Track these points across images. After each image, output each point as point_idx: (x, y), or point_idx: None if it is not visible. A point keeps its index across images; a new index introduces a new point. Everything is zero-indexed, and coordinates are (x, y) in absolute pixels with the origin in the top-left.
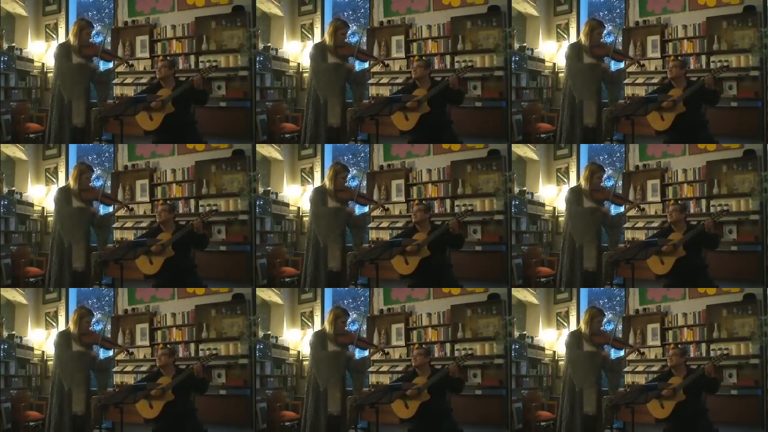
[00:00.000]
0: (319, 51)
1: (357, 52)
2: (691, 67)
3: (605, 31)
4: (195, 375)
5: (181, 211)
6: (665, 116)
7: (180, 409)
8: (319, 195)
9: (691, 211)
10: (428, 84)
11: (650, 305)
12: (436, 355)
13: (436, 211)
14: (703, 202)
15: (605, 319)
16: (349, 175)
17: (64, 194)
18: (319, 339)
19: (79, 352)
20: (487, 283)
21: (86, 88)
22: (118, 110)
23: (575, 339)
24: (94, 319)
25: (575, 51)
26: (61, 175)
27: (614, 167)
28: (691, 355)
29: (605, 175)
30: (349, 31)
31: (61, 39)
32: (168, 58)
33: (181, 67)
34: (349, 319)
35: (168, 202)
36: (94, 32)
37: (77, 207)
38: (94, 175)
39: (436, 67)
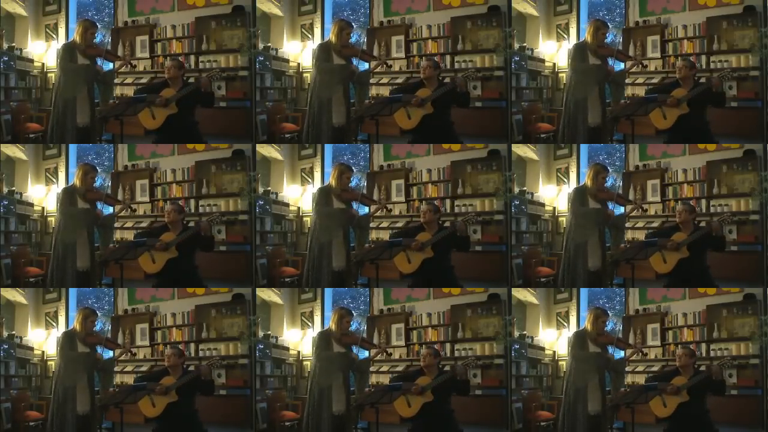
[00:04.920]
0: (324, 51)
1: (361, 53)
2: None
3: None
4: (202, 377)
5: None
6: (668, 115)
7: (182, 410)
8: (323, 195)
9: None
10: (435, 84)
11: (650, 305)
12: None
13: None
14: (704, 202)
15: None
16: (355, 179)
17: (68, 194)
18: (323, 339)
19: (83, 353)
20: (487, 283)
21: (90, 89)
22: (118, 110)
23: (579, 339)
24: (98, 320)
25: (579, 51)
26: (61, 175)
27: (614, 167)
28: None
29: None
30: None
31: (62, 39)
32: (177, 58)
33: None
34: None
35: (177, 202)
36: (98, 34)
37: (81, 208)
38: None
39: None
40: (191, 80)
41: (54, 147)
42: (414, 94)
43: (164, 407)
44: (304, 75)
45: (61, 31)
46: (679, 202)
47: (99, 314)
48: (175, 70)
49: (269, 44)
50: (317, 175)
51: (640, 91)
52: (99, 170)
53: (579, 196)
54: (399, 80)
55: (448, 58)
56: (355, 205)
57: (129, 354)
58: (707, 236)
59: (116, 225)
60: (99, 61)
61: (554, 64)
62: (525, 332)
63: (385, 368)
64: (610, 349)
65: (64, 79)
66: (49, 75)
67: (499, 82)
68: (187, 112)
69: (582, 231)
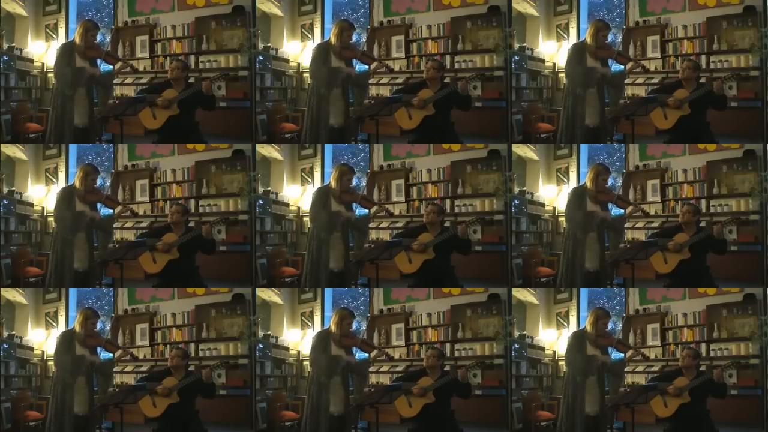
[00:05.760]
0: (322, 52)
1: (361, 54)
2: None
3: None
4: (204, 380)
5: None
6: (669, 115)
7: (183, 410)
8: (321, 196)
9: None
10: (438, 86)
11: (650, 305)
12: None
13: None
14: (704, 202)
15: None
16: (354, 178)
17: (67, 195)
18: (321, 340)
19: (81, 354)
20: (487, 283)
21: (88, 89)
22: (118, 110)
23: (578, 340)
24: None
25: (578, 51)
26: (61, 175)
27: (614, 167)
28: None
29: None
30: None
31: (62, 39)
32: (181, 59)
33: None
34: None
35: (182, 203)
36: (99, 34)
37: (79, 210)
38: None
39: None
40: (191, 80)
41: (54, 147)
42: (416, 94)
43: (165, 407)
44: (304, 75)
45: (61, 31)
46: (684, 202)
47: (100, 315)
48: (178, 71)
49: (269, 44)
50: (317, 175)
51: (640, 91)
52: (100, 171)
53: (576, 199)
54: (399, 80)
55: (448, 58)
56: (354, 207)
57: (130, 357)
58: (709, 239)
59: (116, 225)
60: (98, 62)
61: (554, 64)
62: (525, 332)
63: (385, 368)
64: (610, 350)
65: (62, 79)
66: (49, 75)
67: (499, 82)
68: (188, 113)
69: (580, 233)
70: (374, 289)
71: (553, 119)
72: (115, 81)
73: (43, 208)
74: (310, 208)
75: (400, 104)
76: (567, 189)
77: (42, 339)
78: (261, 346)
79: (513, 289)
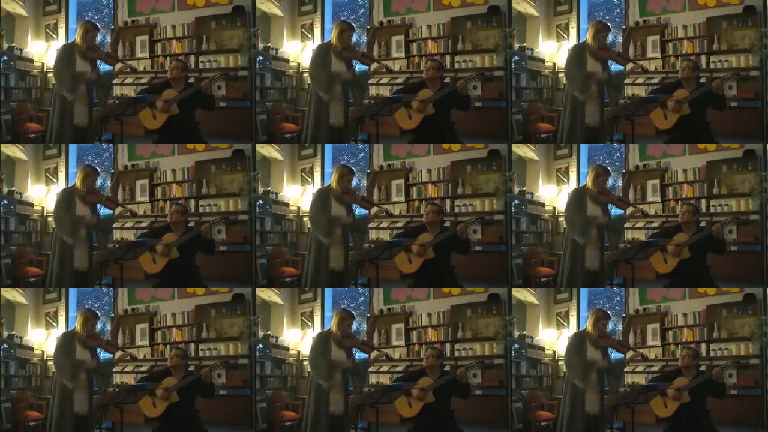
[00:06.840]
0: (322, 53)
1: (361, 55)
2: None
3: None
4: (203, 379)
5: None
6: (669, 115)
7: (183, 410)
8: (321, 197)
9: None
10: (438, 86)
11: (650, 305)
12: None
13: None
14: (704, 202)
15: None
16: (354, 179)
17: (67, 196)
18: (321, 341)
19: (81, 355)
20: (487, 283)
21: (88, 89)
22: (118, 110)
23: (578, 341)
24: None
25: (578, 52)
26: (61, 175)
27: (614, 167)
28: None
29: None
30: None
31: (62, 39)
32: (181, 59)
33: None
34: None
35: (181, 203)
36: (99, 34)
37: (79, 211)
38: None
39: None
40: (191, 80)
41: (54, 147)
42: (415, 94)
43: (165, 407)
44: (304, 75)
45: (61, 31)
46: (684, 202)
47: (100, 316)
48: (178, 71)
49: (269, 44)
50: (317, 175)
51: (640, 91)
52: (100, 172)
53: (576, 200)
54: (399, 80)
55: (448, 58)
56: (354, 207)
57: (129, 357)
58: (709, 239)
59: (116, 225)
60: (98, 63)
61: (554, 64)
62: (525, 332)
63: (385, 368)
64: (610, 351)
65: (61, 80)
66: (49, 75)
67: (499, 82)
68: (188, 113)
69: (580, 233)
70: (374, 289)
71: (553, 119)
72: (115, 81)
73: (43, 208)
74: (310, 209)
75: (400, 104)
76: (567, 189)
77: (42, 339)
78: (261, 346)
79: (513, 289)
